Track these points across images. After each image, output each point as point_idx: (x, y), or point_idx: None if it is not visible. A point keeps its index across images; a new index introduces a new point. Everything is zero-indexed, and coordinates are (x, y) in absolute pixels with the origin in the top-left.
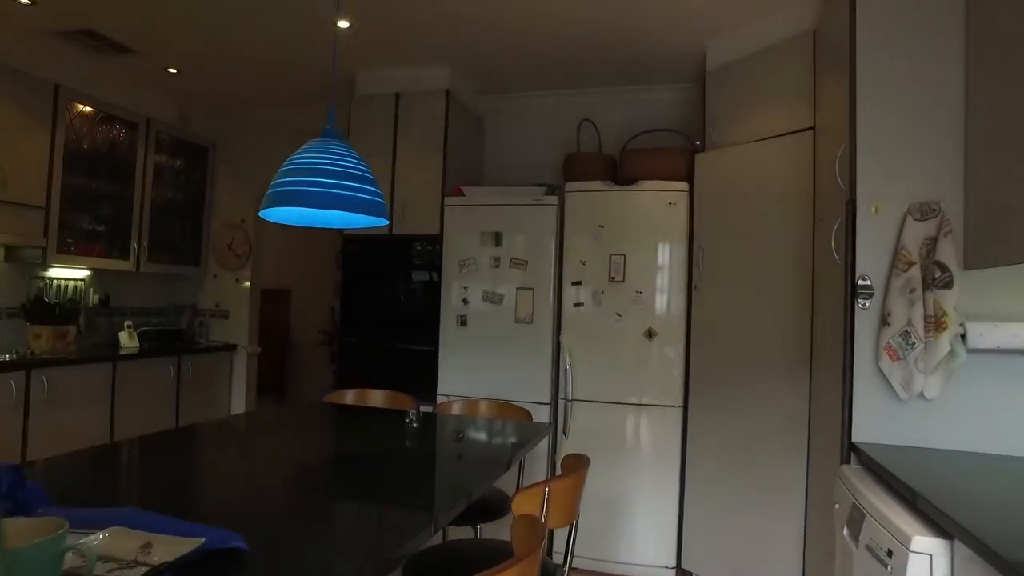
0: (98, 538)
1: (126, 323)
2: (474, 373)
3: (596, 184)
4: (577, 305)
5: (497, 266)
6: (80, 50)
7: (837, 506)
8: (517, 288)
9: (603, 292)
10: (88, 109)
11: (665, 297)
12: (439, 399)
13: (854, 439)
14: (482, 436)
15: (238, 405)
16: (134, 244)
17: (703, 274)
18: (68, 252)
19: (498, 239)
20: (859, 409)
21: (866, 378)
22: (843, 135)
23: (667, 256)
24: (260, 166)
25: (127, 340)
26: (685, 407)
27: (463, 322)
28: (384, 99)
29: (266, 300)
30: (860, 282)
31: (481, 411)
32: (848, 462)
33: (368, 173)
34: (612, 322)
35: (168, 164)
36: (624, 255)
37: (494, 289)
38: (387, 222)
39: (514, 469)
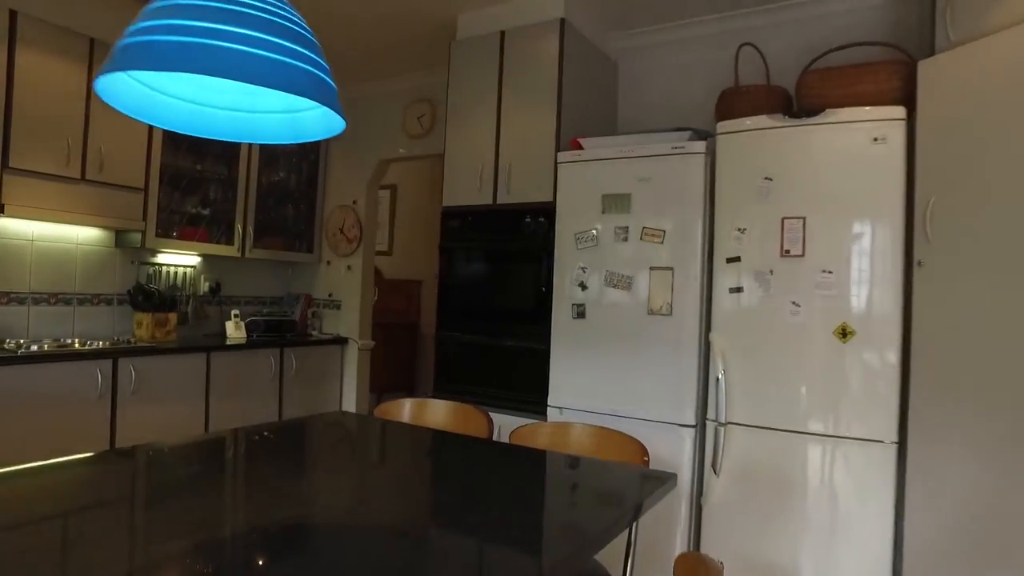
0: None
1: (233, 312)
2: (594, 381)
3: (762, 120)
4: (734, 291)
5: (624, 239)
6: None
7: None
8: (651, 268)
9: (772, 272)
10: None
11: (868, 279)
12: (549, 412)
13: None
14: (569, 494)
15: (349, 402)
16: (239, 228)
17: (934, 244)
18: (168, 236)
19: (626, 203)
20: None
21: None
22: None
23: (871, 219)
24: (375, 139)
25: (233, 330)
26: (901, 443)
27: (580, 314)
28: (486, 41)
29: (395, 291)
30: None
31: (572, 442)
32: None
33: (308, 33)
34: (786, 315)
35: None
36: (803, 219)
37: (620, 270)
38: (344, 125)
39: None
